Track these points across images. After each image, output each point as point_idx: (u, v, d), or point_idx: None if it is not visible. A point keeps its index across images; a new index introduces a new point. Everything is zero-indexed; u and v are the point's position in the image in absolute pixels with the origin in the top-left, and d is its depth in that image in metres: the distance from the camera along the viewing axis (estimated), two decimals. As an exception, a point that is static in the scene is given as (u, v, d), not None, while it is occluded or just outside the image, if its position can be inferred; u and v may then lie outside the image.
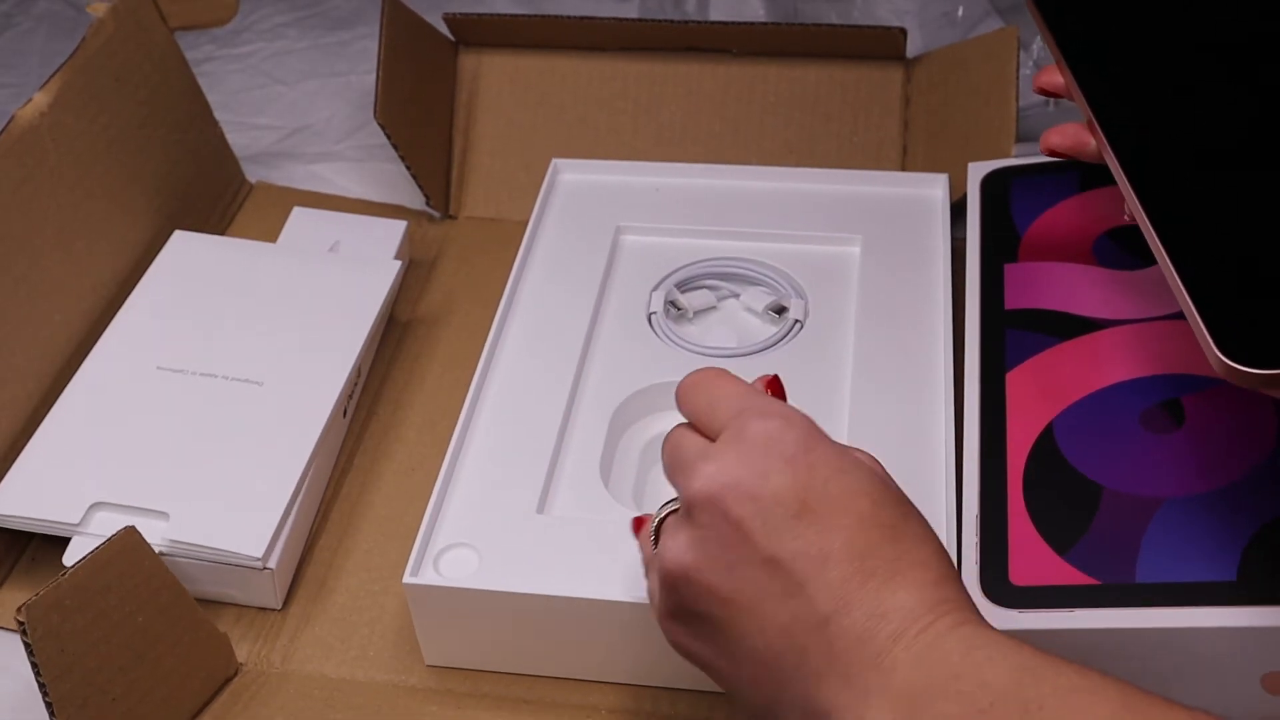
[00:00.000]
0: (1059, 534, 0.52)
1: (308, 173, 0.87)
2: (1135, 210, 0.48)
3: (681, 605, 0.45)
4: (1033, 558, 0.52)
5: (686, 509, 0.45)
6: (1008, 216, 0.66)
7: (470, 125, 0.85)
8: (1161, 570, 0.50)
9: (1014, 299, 0.62)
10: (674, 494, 0.47)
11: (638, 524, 0.51)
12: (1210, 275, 0.43)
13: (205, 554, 0.60)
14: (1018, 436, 0.56)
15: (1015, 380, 0.59)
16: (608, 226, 0.73)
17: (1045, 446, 0.55)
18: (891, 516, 0.44)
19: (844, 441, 0.61)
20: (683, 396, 0.49)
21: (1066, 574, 0.50)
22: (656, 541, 0.48)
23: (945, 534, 0.56)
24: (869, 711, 0.41)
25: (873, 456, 0.48)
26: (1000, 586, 0.51)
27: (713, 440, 0.46)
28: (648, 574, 0.49)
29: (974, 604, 0.43)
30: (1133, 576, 0.50)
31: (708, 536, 0.44)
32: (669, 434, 0.48)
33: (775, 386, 0.51)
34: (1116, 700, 0.39)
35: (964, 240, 0.67)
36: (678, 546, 0.45)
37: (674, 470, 0.47)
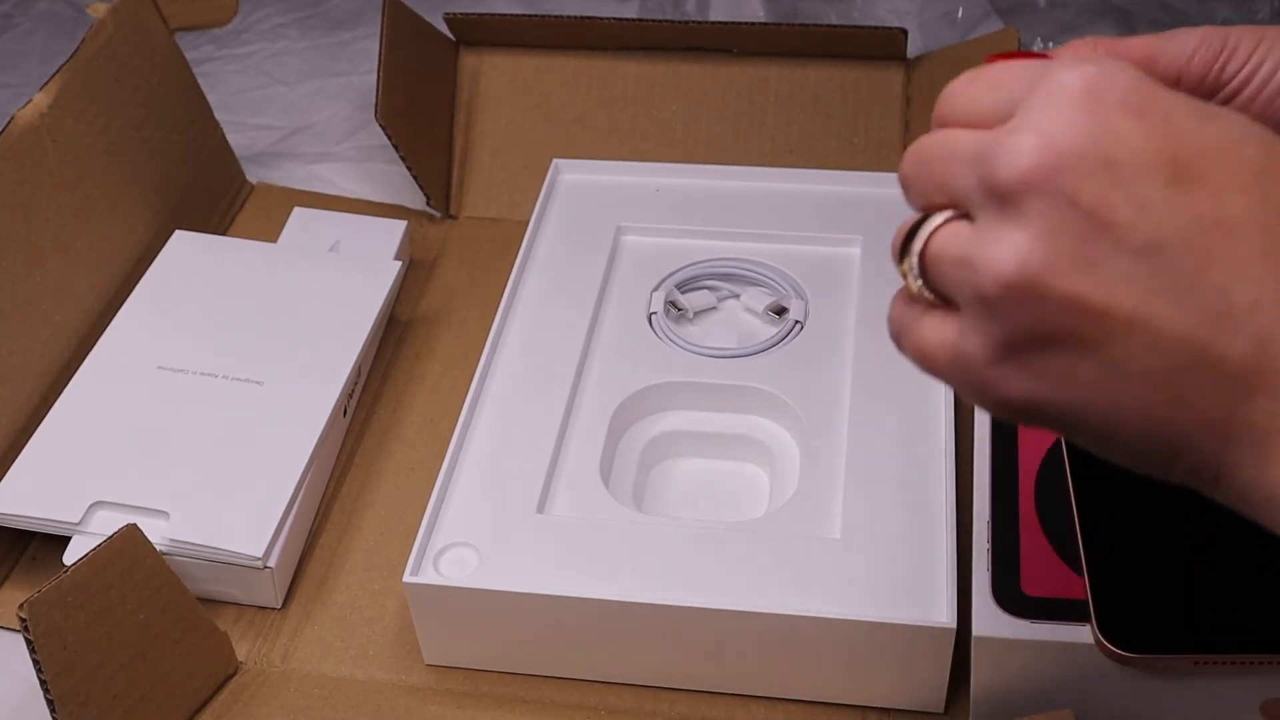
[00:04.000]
0: (1071, 546, 0.52)
1: (308, 173, 0.87)
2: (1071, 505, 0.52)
3: (1024, 333, 0.33)
4: (1045, 569, 0.52)
5: (1001, 201, 0.33)
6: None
7: (470, 125, 0.85)
8: None
9: None
10: None
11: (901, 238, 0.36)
12: (1109, 570, 0.49)
13: (205, 553, 0.60)
14: (1030, 445, 0.56)
15: None
16: (608, 226, 0.73)
17: (1058, 456, 0.55)
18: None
19: (843, 443, 0.62)
20: (945, 103, 0.36)
21: (1078, 588, 0.50)
22: (925, 277, 0.36)
23: (946, 536, 0.57)
24: None
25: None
26: (1012, 595, 0.51)
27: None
28: (903, 334, 0.37)
29: None
30: None
31: (1053, 229, 0.32)
32: (912, 147, 0.37)
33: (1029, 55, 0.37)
34: None
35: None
36: (1009, 249, 0.33)
37: (945, 163, 0.35)
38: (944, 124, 0.36)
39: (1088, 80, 0.32)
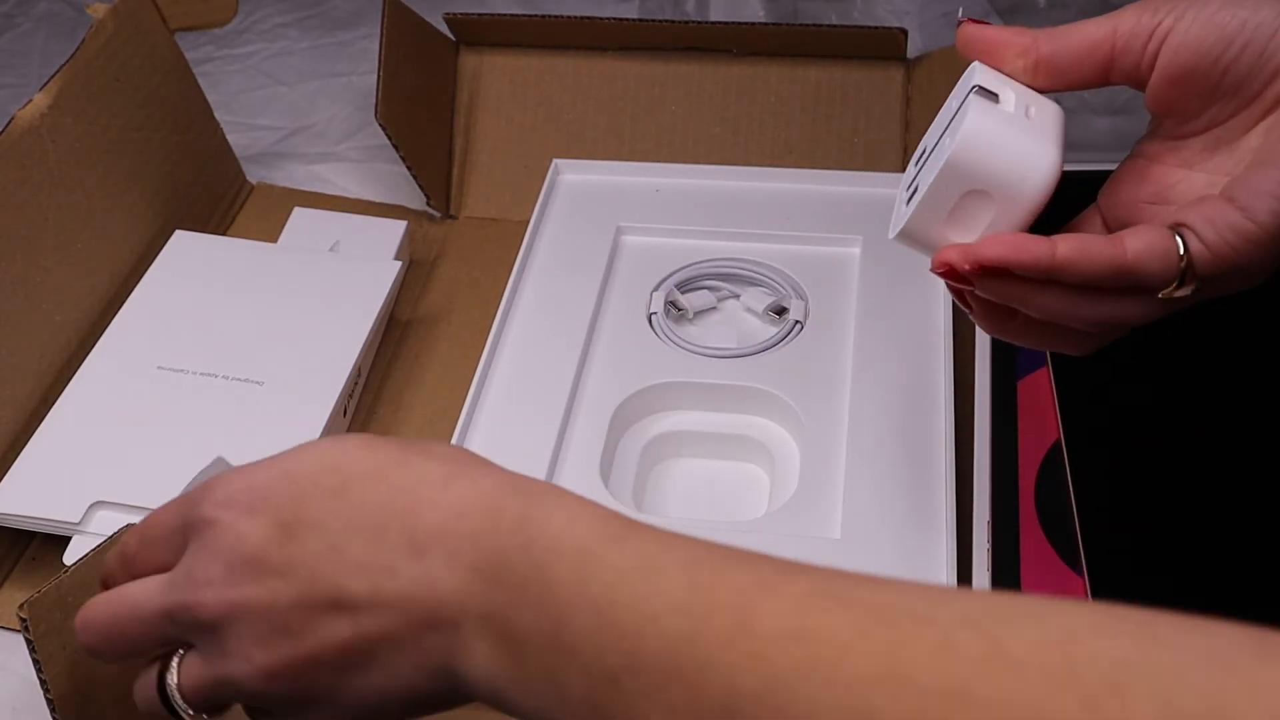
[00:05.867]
0: (1072, 546, 0.52)
1: (308, 173, 0.87)
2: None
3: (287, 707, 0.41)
4: (1045, 569, 0.52)
5: (196, 636, 0.41)
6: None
7: (470, 125, 0.85)
8: None
9: None
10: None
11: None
12: (1108, 570, 0.50)
13: (205, 553, 0.60)
14: (1029, 445, 0.56)
15: (1027, 388, 0.59)
16: (608, 226, 0.73)
17: (1058, 456, 0.55)
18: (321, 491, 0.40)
19: (843, 443, 0.61)
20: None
21: (1078, 588, 0.50)
22: (172, 703, 0.43)
23: (946, 536, 0.56)
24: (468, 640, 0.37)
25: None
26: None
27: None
28: None
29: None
30: None
31: (224, 642, 0.40)
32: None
33: None
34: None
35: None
36: (235, 664, 0.40)
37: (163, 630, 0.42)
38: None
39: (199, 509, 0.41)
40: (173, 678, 0.42)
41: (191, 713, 0.42)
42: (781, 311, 0.69)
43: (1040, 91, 0.47)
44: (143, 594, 0.42)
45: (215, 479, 0.41)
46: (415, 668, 0.38)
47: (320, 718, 0.40)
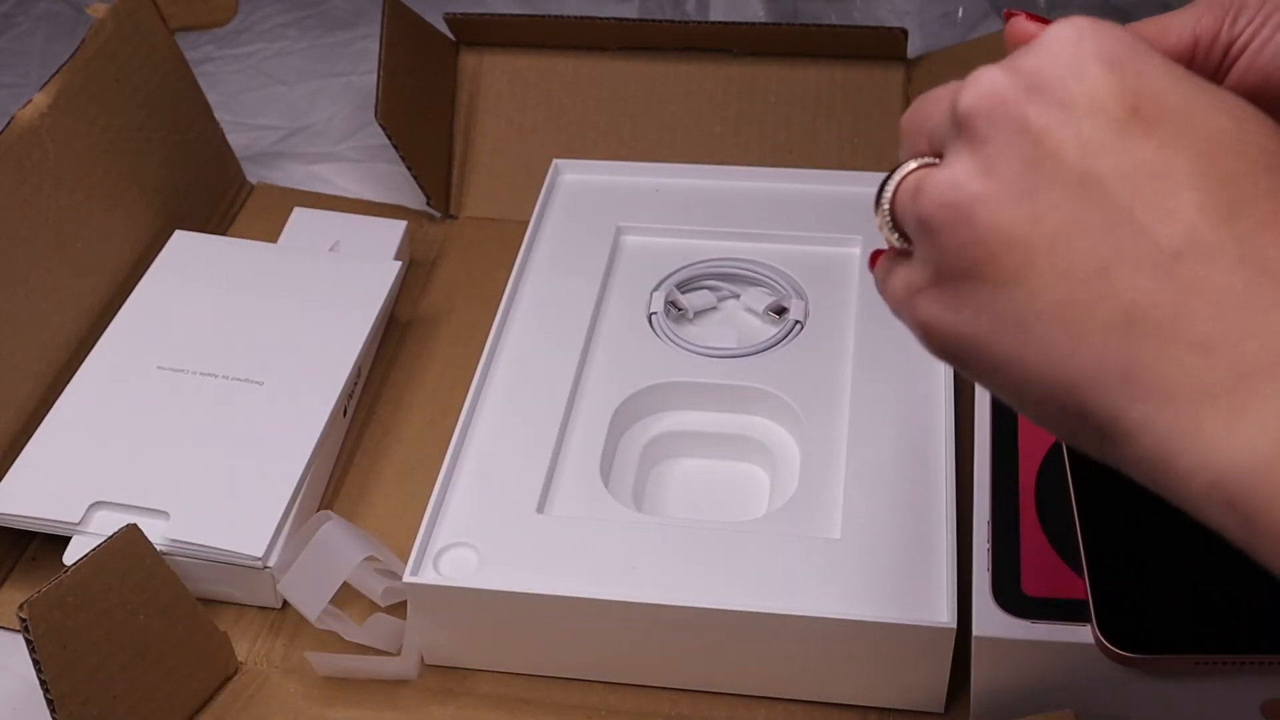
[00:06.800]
0: (1072, 546, 0.52)
1: (308, 173, 0.87)
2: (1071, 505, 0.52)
3: (952, 259, 0.33)
4: (1045, 569, 0.52)
5: (960, 129, 0.34)
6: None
7: (470, 125, 0.85)
8: None
9: None
10: None
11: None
12: (1109, 570, 0.49)
13: (205, 553, 0.60)
14: (1030, 444, 0.56)
15: None
16: (608, 226, 0.73)
17: (1059, 456, 0.55)
18: (1272, 142, 0.31)
19: (843, 443, 0.61)
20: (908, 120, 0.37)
21: (1078, 588, 0.50)
22: (894, 218, 0.37)
23: (946, 536, 0.57)
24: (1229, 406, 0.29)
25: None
26: (1012, 595, 0.51)
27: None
28: (882, 288, 0.38)
29: None
30: None
31: (996, 156, 0.32)
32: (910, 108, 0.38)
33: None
34: None
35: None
36: (952, 175, 0.33)
37: (931, 105, 0.36)
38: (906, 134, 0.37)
39: (1076, 29, 0.33)
40: (898, 175, 0.36)
41: (889, 231, 0.37)
42: (781, 311, 0.69)
43: None
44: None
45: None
46: None
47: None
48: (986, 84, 0.33)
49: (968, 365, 0.35)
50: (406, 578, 0.56)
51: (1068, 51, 0.32)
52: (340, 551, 0.58)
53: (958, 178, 0.33)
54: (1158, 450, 0.30)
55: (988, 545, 0.53)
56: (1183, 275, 0.30)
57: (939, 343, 0.35)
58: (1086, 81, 0.32)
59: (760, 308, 0.70)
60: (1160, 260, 0.30)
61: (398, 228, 0.78)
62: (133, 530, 0.55)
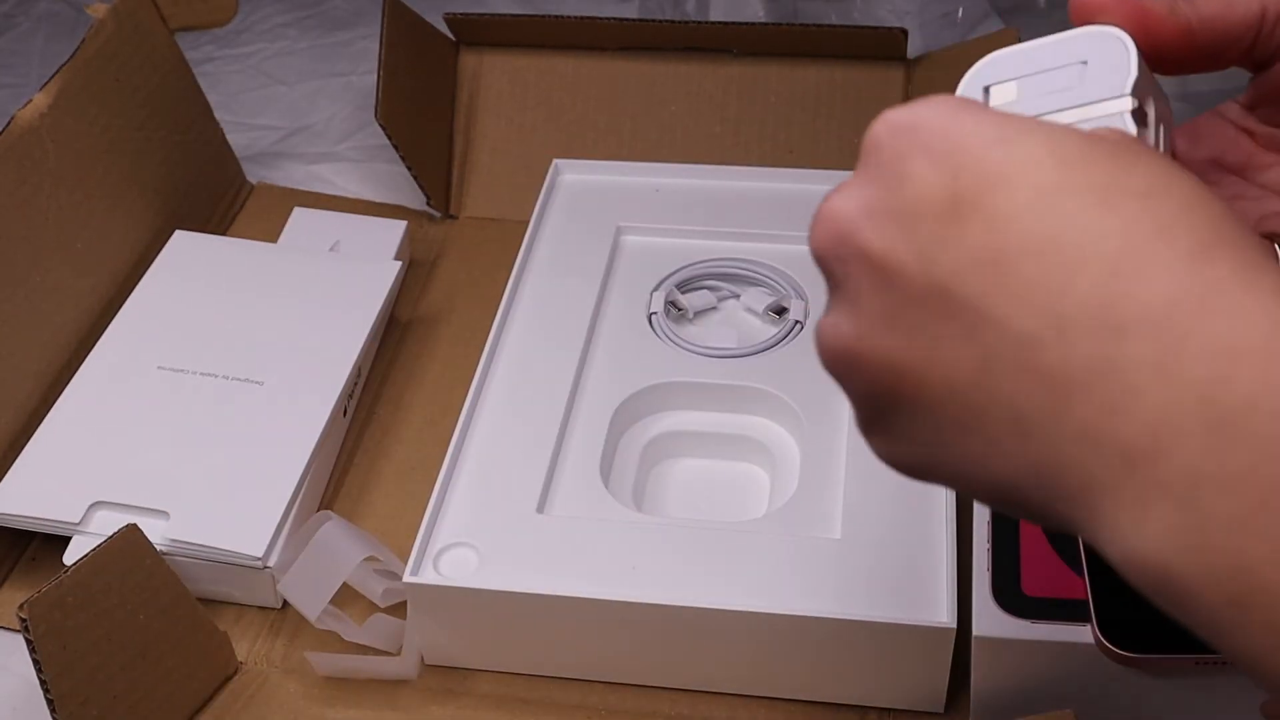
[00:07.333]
0: (1071, 546, 0.52)
1: (308, 173, 0.87)
2: None
3: (865, 401, 0.33)
4: (1045, 569, 0.52)
5: (819, 268, 0.33)
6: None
7: (470, 125, 0.85)
8: None
9: None
10: None
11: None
12: (1109, 570, 0.47)
13: (205, 553, 0.60)
14: None
15: None
16: (608, 226, 0.73)
17: None
18: (1101, 172, 0.29)
19: (843, 443, 0.61)
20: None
21: (1078, 588, 0.50)
22: None
23: (946, 536, 0.57)
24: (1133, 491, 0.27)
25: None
26: (1012, 595, 0.51)
27: None
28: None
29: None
30: None
31: (855, 291, 0.31)
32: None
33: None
34: None
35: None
36: (830, 321, 0.32)
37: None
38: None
39: (899, 126, 0.31)
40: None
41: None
42: (781, 311, 0.69)
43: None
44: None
45: None
46: None
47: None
48: (826, 219, 0.32)
49: (935, 484, 0.34)
50: (406, 578, 0.56)
51: (890, 152, 0.31)
52: (340, 551, 0.58)
53: (834, 322, 0.32)
54: (1092, 540, 0.29)
55: (988, 545, 0.53)
56: (1048, 363, 0.28)
57: (905, 474, 0.34)
58: (910, 184, 0.30)
59: (760, 308, 0.70)
60: (1023, 354, 0.29)
61: (398, 228, 0.78)
62: (133, 530, 0.55)
